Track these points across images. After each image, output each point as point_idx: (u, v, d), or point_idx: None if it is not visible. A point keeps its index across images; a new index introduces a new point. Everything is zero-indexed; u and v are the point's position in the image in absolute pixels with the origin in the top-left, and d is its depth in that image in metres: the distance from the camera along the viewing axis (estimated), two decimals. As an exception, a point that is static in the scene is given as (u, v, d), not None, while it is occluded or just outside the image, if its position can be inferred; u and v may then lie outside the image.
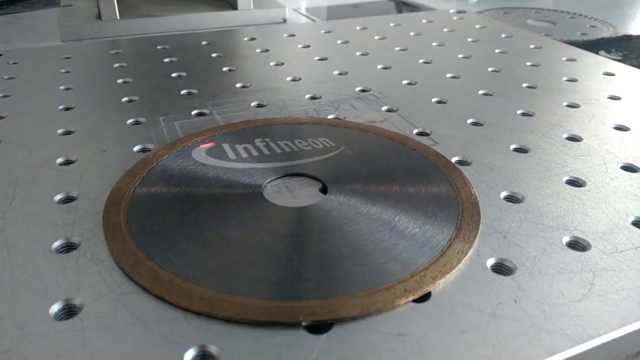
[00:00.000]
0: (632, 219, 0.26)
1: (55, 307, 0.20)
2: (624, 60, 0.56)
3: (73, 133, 0.34)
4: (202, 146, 0.31)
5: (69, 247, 0.23)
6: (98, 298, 0.20)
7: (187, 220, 0.25)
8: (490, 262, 0.23)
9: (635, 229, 0.25)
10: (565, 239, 0.24)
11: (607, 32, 0.67)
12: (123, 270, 0.22)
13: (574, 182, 0.29)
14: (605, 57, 0.52)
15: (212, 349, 0.18)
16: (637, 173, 0.30)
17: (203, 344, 0.18)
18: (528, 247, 0.24)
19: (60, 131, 0.34)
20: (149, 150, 0.31)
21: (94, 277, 0.22)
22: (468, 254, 0.23)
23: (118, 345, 0.18)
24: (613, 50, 0.60)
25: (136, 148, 0.32)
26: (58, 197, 0.27)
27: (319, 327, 0.19)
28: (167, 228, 0.24)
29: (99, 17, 0.60)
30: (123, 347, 0.18)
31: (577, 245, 0.24)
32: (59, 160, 0.30)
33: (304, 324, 0.19)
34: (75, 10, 0.64)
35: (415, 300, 0.21)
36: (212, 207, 0.26)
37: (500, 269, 0.22)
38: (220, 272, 0.21)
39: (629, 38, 0.65)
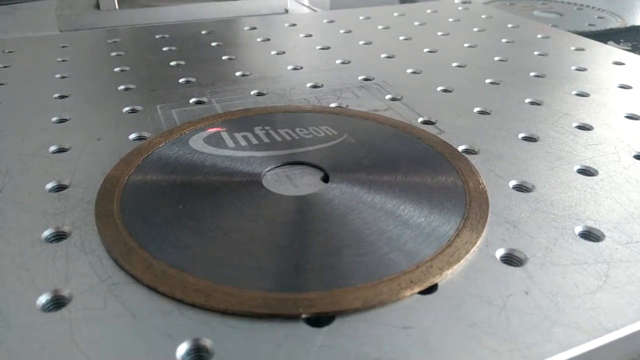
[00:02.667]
0: (647, 208, 0.25)
1: (42, 298, 0.19)
2: (634, 50, 0.55)
3: (67, 121, 0.33)
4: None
5: (59, 236, 0.22)
6: (88, 289, 0.20)
7: (182, 209, 0.24)
8: (500, 252, 0.22)
9: (650, 219, 0.24)
10: (578, 229, 0.23)
11: (615, 23, 0.66)
12: (115, 259, 0.21)
13: (586, 171, 0.28)
14: (615, 47, 0.51)
15: (207, 342, 0.17)
16: (651, 162, 0.29)
17: (197, 337, 0.17)
18: (539, 237, 0.22)
19: (54, 119, 0.33)
20: (145, 139, 0.30)
21: (84, 267, 0.21)
22: (476, 244, 0.22)
23: (107, 338, 0.17)
24: (622, 40, 0.58)
25: (132, 136, 0.31)
26: (50, 186, 0.26)
27: (319, 320, 0.18)
28: (161, 217, 0.23)
29: (97, 7, 0.59)
30: (112, 340, 0.17)
31: (590, 235, 0.23)
32: (52, 148, 0.29)
33: (303, 316, 0.18)
34: (73, 1, 0.63)
35: (421, 292, 0.20)
36: (209, 196, 0.25)
37: (510, 259, 0.21)
38: (217, 262, 0.20)
39: (637, 29, 0.64)
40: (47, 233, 0.23)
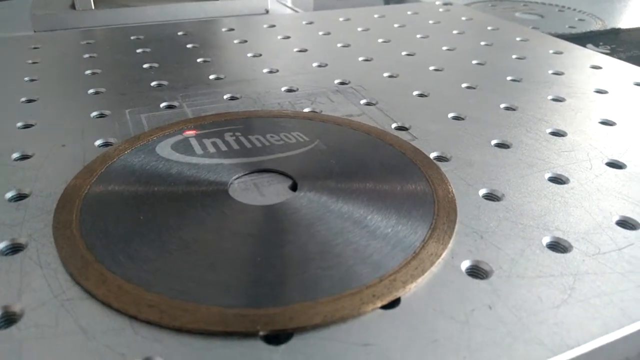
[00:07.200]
0: (616, 218, 0.24)
1: (-8, 316, 0.18)
2: (612, 53, 0.55)
3: (33, 126, 0.32)
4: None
5: (15, 249, 0.22)
6: (40, 305, 0.19)
7: (144, 220, 0.23)
8: (466, 264, 0.21)
9: (619, 229, 0.24)
10: (546, 240, 0.23)
11: (595, 26, 0.66)
12: (70, 274, 0.20)
13: (557, 179, 0.27)
14: (593, 50, 0.51)
15: (159, 361, 0.17)
16: (623, 170, 0.28)
17: (149, 357, 0.17)
18: (506, 249, 0.22)
19: (19, 124, 0.32)
20: (111, 145, 0.30)
21: (38, 281, 0.20)
22: (442, 256, 0.21)
23: (57, 358, 0.17)
24: (601, 43, 0.58)
25: (98, 142, 0.30)
26: (9, 195, 0.25)
27: (277, 337, 0.18)
28: (122, 228, 0.22)
29: (73, 6, 0.58)
30: (62, 359, 0.17)
31: (557, 246, 0.23)
32: (15, 155, 0.29)
33: (261, 333, 0.18)
34: (49, 0, 0.61)
35: (383, 307, 0.19)
36: (172, 206, 0.24)
37: (476, 272, 0.21)
38: (175, 276, 0.20)
39: (617, 31, 0.64)
40: (2, 245, 0.22)
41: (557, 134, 0.32)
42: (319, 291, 0.20)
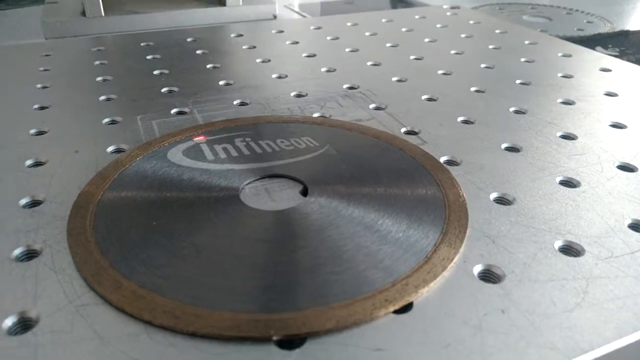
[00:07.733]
0: (628, 221, 0.24)
1: (8, 321, 0.19)
2: (621, 56, 0.55)
3: (46, 133, 0.32)
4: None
5: (30, 255, 0.22)
6: (56, 310, 0.19)
7: (157, 226, 0.23)
8: (478, 268, 0.21)
9: (632, 232, 0.24)
10: (558, 244, 0.23)
11: (604, 28, 0.65)
12: (84, 279, 0.20)
13: (568, 183, 0.27)
14: (602, 53, 0.51)
15: (174, 366, 0.17)
16: (634, 173, 0.28)
17: (164, 362, 0.17)
18: (518, 253, 0.22)
19: (32, 131, 0.32)
20: (123, 151, 0.30)
21: (54, 287, 0.20)
22: (454, 261, 0.22)
23: (72, 363, 0.17)
24: (610, 46, 0.58)
25: (110, 149, 0.30)
26: (23, 201, 0.25)
27: (291, 342, 0.18)
28: (135, 234, 0.23)
29: (83, 14, 0.58)
30: (77, 365, 0.17)
31: (570, 250, 0.23)
32: (28, 162, 0.29)
33: (274, 338, 0.18)
34: (59, 7, 0.62)
35: (396, 311, 0.19)
36: (184, 212, 0.24)
37: (488, 276, 0.21)
38: (188, 281, 0.20)
39: (626, 34, 0.64)
40: (17, 252, 0.22)
41: (568, 137, 0.32)
42: (331, 296, 0.20)
